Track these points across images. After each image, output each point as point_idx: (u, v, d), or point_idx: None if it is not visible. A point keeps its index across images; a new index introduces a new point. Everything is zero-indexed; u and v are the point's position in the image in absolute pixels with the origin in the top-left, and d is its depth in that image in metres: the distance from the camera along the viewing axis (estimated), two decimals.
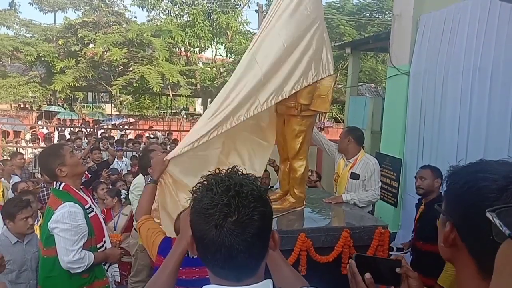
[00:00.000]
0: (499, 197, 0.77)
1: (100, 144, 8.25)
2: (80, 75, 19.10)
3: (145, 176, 3.52)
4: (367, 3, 20.35)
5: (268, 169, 4.73)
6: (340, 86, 17.69)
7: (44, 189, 4.95)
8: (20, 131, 13.56)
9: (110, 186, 5.40)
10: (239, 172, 0.97)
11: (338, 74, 18.04)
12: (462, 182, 0.86)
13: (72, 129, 13.87)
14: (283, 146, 3.04)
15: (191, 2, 21.21)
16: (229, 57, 23.80)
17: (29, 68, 20.28)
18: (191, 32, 19.96)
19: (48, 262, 2.47)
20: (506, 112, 3.49)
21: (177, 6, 21.42)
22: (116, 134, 13.34)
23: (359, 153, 3.67)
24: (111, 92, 20.75)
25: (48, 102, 22.35)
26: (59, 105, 21.93)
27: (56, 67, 18.97)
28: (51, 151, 2.61)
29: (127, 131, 14.20)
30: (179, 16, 21.73)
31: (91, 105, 28.45)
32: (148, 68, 18.48)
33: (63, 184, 2.50)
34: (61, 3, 24.51)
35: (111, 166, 7.01)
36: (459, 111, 4.01)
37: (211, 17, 20.58)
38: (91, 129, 13.39)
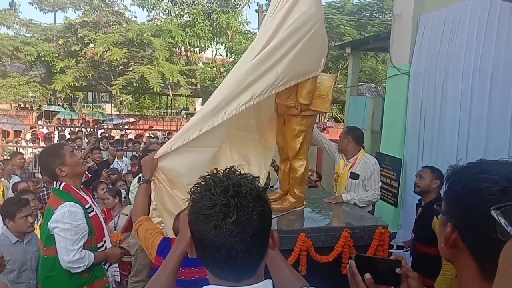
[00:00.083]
0: (500, 198, 0.77)
1: (100, 144, 8.25)
2: (80, 75, 19.09)
3: None
4: (367, 3, 20.33)
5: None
6: (340, 86, 17.69)
7: (44, 189, 4.95)
8: (20, 131, 13.56)
9: (110, 186, 5.40)
10: (237, 172, 0.96)
11: (338, 74, 18.05)
12: (463, 183, 0.85)
13: (72, 129, 13.85)
14: (283, 146, 3.04)
15: (191, 2, 21.20)
16: (229, 57, 23.79)
17: (29, 68, 20.28)
18: (191, 32, 19.95)
19: (48, 261, 2.47)
20: (506, 112, 3.49)
21: (177, 6, 21.41)
22: (117, 134, 13.34)
23: (359, 153, 3.67)
24: (111, 92, 20.74)
25: (48, 102, 22.34)
26: (59, 105, 21.91)
27: (56, 67, 18.97)
28: (51, 151, 2.61)
29: (127, 131, 14.20)
30: (179, 16, 21.72)
31: (91, 105, 28.44)
32: (148, 68, 18.47)
33: (63, 183, 2.50)
34: (61, 2, 24.48)
35: (111, 166, 7.03)
36: (459, 111, 4.00)
37: (211, 17, 20.57)
38: (91, 129, 13.40)
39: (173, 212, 2.30)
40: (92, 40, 19.56)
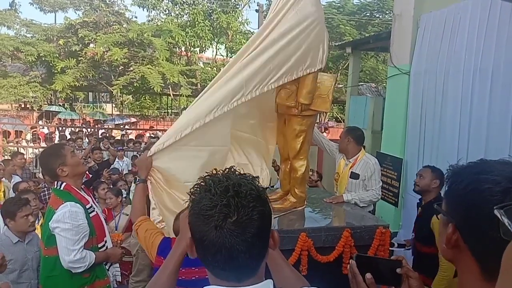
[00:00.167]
0: (502, 199, 0.76)
1: (101, 144, 8.25)
2: (81, 75, 19.10)
3: None
4: (367, 2, 20.35)
5: None
6: (340, 85, 17.69)
7: (45, 189, 4.95)
8: (21, 131, 13.57)
9: (111, 186, 5.40)
10: (237, 172, 0.96)
11: (339, 74, 18.05)
12: (464, 183, 0.85)
13: (72, 129, 13.87)
14: (284, 146, 3.04)
15: (192, 2, 21.21)
16: (230, 57, 23.76)
17: (29, 68, 20.28)
18: (191, 32, 19.96)
19: (49, 261, 2.47)
20: (507, 112, 3.49)
21: (177, 6, 21.43)
22: (118, 134, 13.35)
23: (359, 152, 3.67)
24: (112, 92, 20.75)
25: (48, 102, 22.36)
26: (59, 105, 21.94)
27: (56, 67, 18.97)
28: (52, 151, 2.61)
29: (128, 131, 14.20)
30: (180, 16, 21.75)
31: (91, 105, 28.42)
32: (148, 68, 18.48)
33: (64, 184, 2.50)
34: (62, 3, 24.48)
35: (112, 166, 7.03)
36: (460, 111, 4.00)
37: (212, 17, 20.59)
38: (92, 129, 13.41)
39: (174, 210, 2.29)
40: (92, 40, 19.58)
